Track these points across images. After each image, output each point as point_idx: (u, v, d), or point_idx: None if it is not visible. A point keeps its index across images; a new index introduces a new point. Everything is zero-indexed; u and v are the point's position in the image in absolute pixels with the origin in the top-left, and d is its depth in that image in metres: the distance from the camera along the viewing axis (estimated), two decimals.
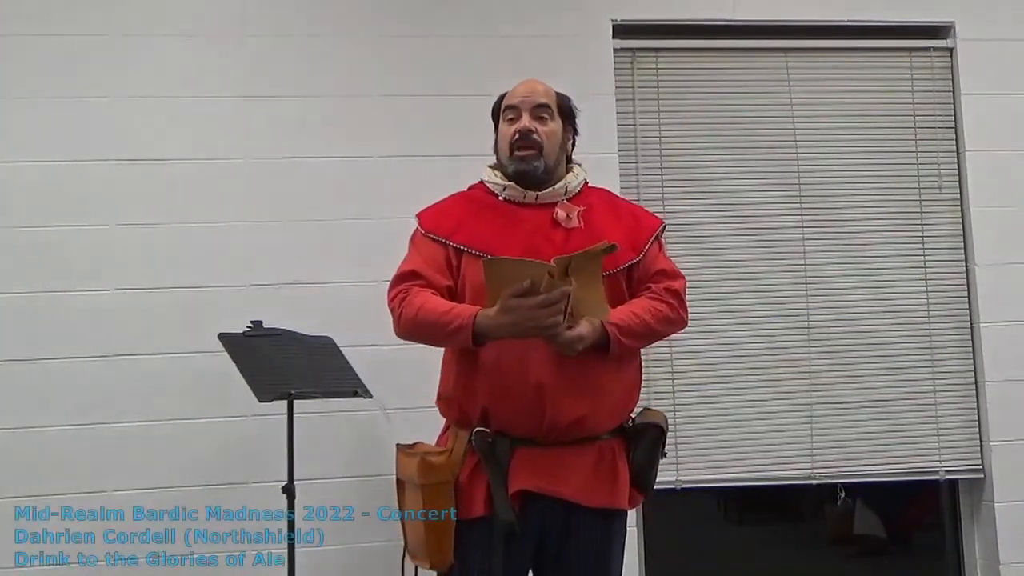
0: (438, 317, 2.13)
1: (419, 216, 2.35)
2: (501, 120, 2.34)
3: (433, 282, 2.22)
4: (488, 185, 2.34)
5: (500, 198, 2.31)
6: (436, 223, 2.30)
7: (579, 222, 2.26)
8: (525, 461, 2.14)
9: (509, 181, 2.30)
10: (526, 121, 2.27)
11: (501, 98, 2.39)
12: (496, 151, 2.37)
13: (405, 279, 2.25)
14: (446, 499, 2.12)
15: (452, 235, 2.26)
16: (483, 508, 2.12)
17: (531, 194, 2.29)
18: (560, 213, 2.27)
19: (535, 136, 2.26)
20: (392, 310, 2.24)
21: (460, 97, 3.31)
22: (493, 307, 2.06)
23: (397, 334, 2.27)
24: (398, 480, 2.30)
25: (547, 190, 2.29)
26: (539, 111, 2.29)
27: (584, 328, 2.10)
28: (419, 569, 2.26)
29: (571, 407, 2.14)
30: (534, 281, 2.00)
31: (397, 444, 2.33)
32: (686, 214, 3.50)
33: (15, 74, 3.17)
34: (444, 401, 2.27)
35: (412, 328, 2.20)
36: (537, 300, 2.00)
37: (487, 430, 2.16)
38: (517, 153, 2.26)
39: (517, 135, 2.26)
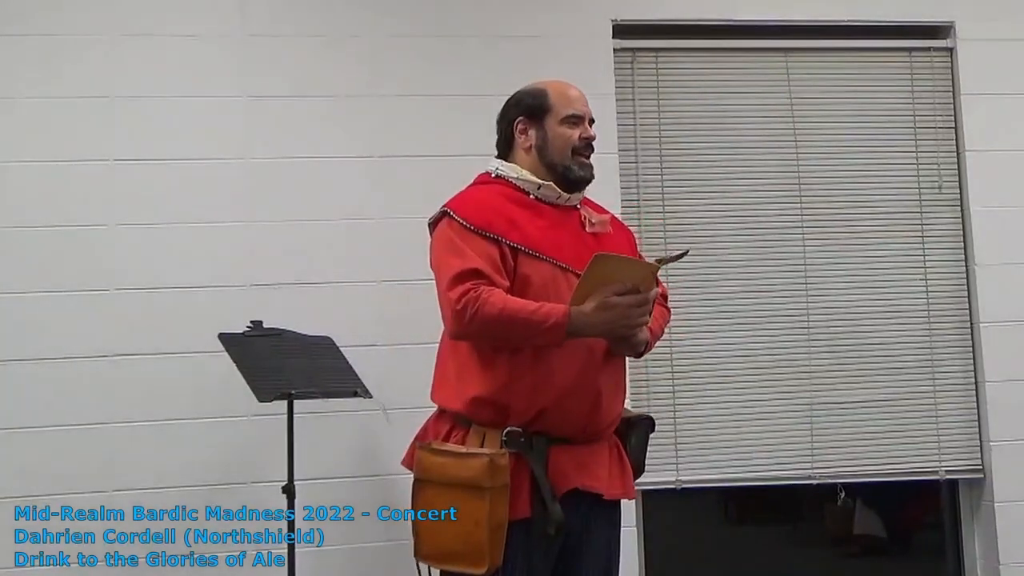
0: (529, 315, 2.08)
1: (456, 209, 2.24)
2: (556, 122, 2.30)
3: (495, 282, 2.14)
4: (517, 182, 2.30)
5: (531, 196, 2.29)
6: (486, 219, 2.21)
7: (610, 229, 2.34)
8: (564, 460, 2.16)
9: (547, 180, 2.28)
10: (591, 130, 2.33)
11: (539, 94, 2.33)
12: (536, 146, 2.30)
13: (470, 276, 2.12)
14: (506, 501, 2.09)
15: (507, 233, 2.20)
16: (527, 509, 2.12)
17: (564, 195, 2.30)
18: (586, 216, 2.32)
19: (593, 146, 2.34)
20: (460, 309, 2.10)
21: (460, 97, 3.31)
22: (583, 304, 2.08)
23: (459, 333, 2.16)
24: (420, 481, 2.19)
25: (576, 193, 2.33)
26: (591, 124, 2.36)
27: (647, 332, 2.21)
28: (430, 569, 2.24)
29: (613, 409, 2.25)
30: (636, 281, 2.07)
31: (419, 444, 2.25)
32: (686, 214, 3.50)
33: (14, 73, 3.17)
34: (477, 401, 2.17)
35: (490, 327, 2.10)
36: (636, 299, 2.08)
37: (519, 429, 2.14)
38: (581, 158, 2.30)
39: (584, 142, 2.31)
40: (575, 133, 2.29)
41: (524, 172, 2.30)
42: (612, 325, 2.09)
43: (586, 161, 2.31)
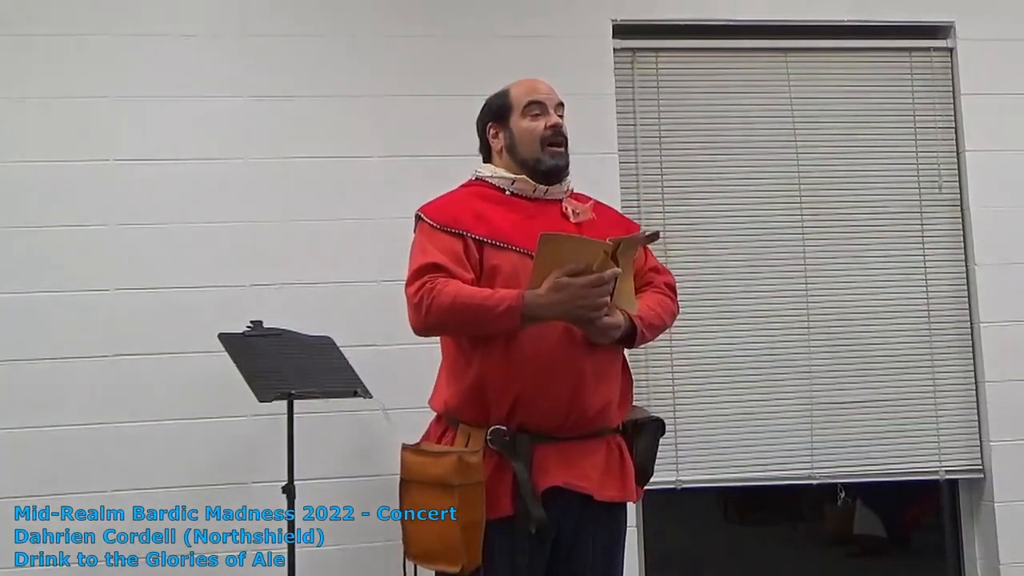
0: (482, 301, 2.10)
1: (425, 211, 2.30)
2: (519, 116, 2.32)
3: (455, 275, 2.17)
4: (492, 180, 2.33)
5: (507, 192, 2.31)
6: (452, 216, 2.25)
7: (592, 215, 2.31)
8: (548, 457, 2.15)
9: (520, 175, 2.30)
10: (556, 118, 2.31)
11: (502, 95, 2.37)
12: (506, 147, 2.34)
13: (428, 271, 2.17)
14: (480, 499, 2.09)
15: (473, 227, 2.23)
16: (509, 507, 2.12)
17: (541, 188, 2.30)
18: (568, 207, 2.30)
19: (563, 133, 2.31)
20: (417, 302, 2.14)
21: (460, 97, 3.29)
22: (539, 287, 2.06)
23: (420, 327, 2.18)
24: (404, 481, 2.24)
25: (556, 186, 2.32)
26: (559, 109, 2.34)
27: (619, 317, 2.15)
28: (418, 570, 2.25)
29: (598, 396, 2.18)
30: (588, 260, 2.02)
31: (404, 444, 2.28)
32: (686, 214, 3.50)
33: (14, 74, 3.17)
34: (459, 400, 2.20)
35: (446, 316, 2.12)
36: (589, 279, 2.03)
37: (504, 428, 2.14)
38: (552, 149, 2.29)
39: (552, 130, 2.29)
40: (539, 124, 2.30)
41: (499, 170, 2.34)
42: (568, 306, 2.06)
43: (558, 150, 2.30)
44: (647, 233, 2.13)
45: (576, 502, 2.17)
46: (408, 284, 2.19)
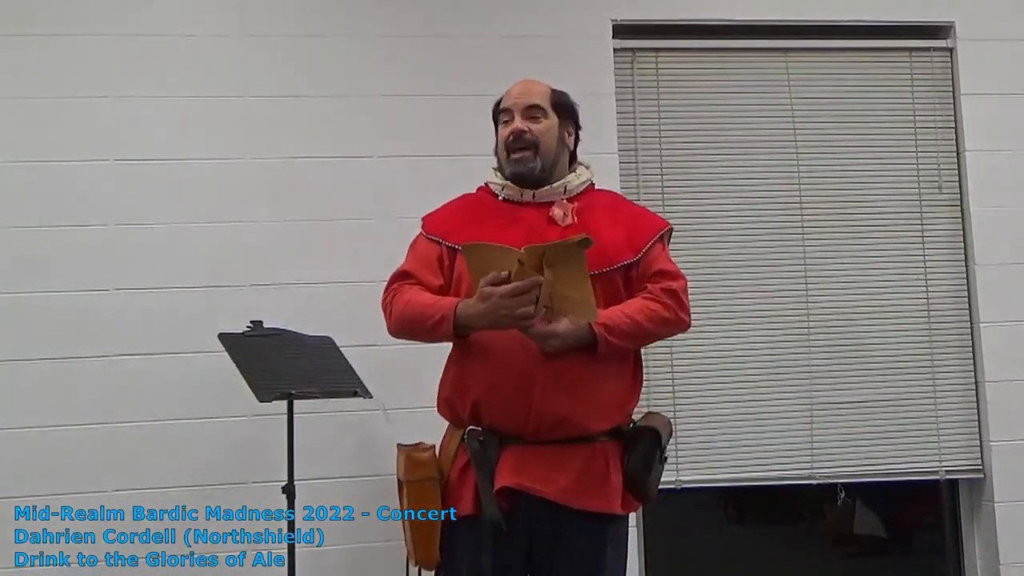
0: (423, 309, 2.18)
1: (423, 218, 2.39)
2: (499, 124, 2.37)
3: (424, 281, 2.26)
4: (490, 186, 2.38)
5: (500, 198, 2.34)
6: (436, 225, 2.34)
7: (573, 219, 2.26)
8: (512, 459, 2.14)
9: (507, 181, 2.33)
10: (519, 123, 2.29)
11: (499, 101, 2.40)
12: (496, 153, 2.39)
13: (399, 278, 2.30)
14: (431, 496, 2.15)
15: (448, 235, 2.29)
16: (472, 506, 2.13)
17: (528, 193, 2.31)
18: (556, 211, 2.28)
19: (528, 136, 2.27)
20: (383, 307, 2.29)
21: (460, 97, 3.31)
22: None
23: (390, 332, 2.30)
24: (397, 479, 2.30)
25: (545, 188, 2.31)
26: (531, 111, 2.31)
27: (561, 326, 2.10)
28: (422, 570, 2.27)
29: (557, 404, 2.12)
30: (509, 269, 2.02)
31: (398, 444, 2.32)
32: (686, 214, 3.50)
33: (15, 74, 3.17)
34: (440, 402, 2.29)
35: (401, 324, 2.24)
36: (507, 288, 2.02)
37: (479, 429, 2.17)
38: (513, 156, 2.29)
39: (511, 137, 2.29)
40: (506, 131, 2.31)
41: (496, 176, 2.38)
42: (492, 316, 2.05)
43: (517, 156, 2.28)
44: (577, 239, 2.01)
45: (545, 507, 2.13)
46: (384, 290, 2.31)
